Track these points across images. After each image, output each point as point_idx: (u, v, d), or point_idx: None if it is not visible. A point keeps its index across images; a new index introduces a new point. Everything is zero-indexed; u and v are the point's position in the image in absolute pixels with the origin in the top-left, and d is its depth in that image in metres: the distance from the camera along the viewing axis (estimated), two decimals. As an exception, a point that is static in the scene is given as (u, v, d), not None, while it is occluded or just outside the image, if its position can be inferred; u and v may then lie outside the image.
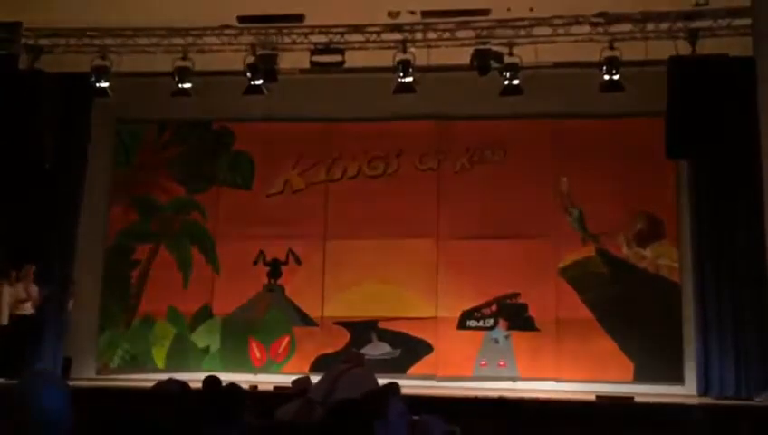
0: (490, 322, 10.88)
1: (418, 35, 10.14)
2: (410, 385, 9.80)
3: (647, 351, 10.33)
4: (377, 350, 10.90)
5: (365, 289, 11.11)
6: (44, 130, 10.11)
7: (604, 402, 8.69)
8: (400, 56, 10.08)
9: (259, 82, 10.35)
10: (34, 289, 10.01)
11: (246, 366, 11.01)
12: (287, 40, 10.34)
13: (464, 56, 10.10)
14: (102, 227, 11.68)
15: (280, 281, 11.37)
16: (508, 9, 9.67)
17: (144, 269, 11.57)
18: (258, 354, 11.17)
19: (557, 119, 11.07)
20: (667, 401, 9.06)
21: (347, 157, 11.53)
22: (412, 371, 10.75)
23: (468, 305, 10.91)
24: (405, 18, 9.99)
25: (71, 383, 3.15)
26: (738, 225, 9.83)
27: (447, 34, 10.10)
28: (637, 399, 8.87)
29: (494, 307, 10.90)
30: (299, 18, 10.02)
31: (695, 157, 10.06)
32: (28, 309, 9.92)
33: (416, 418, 4.16)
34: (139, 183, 11.80)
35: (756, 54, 8.59)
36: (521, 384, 10.42)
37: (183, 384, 3.87)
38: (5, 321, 9.73)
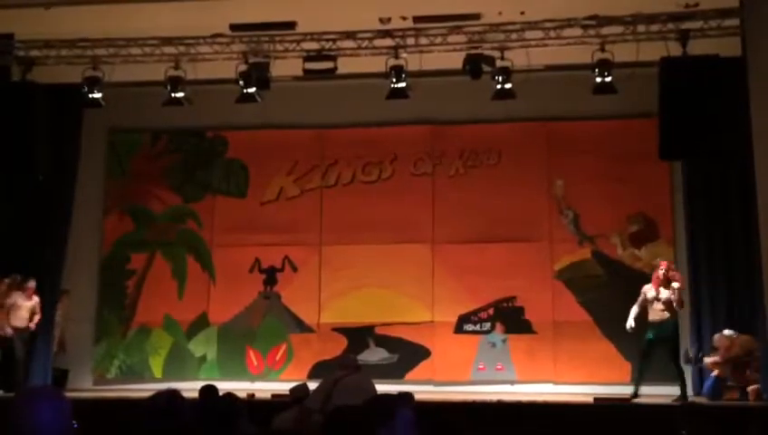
0: (487, 325, 10.89)
1: (410, 41, 10.13)
2: (408, 390, 9.82)
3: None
4: (374, 355, 10.89)
5: (361, 295, 11.11)
6: (37, 141, 10.08)
7: (602, 404, 8.70)
8: (393, 62, 10.07)
9: (252, 89, 10.33)
10: (35, 302, 9.91)
11: (244, 374, 11.00)
12: (279, 47, 10.33)
13: (456, 61, 10.11)
14: (97, 237, 11.65)
15: (276, 288, 11.36)
16: (499, 13, 9.68)
17: (140, 279, 11.56)
18: (255, 362, 11.16)
19: (550, 121, 11.10)
20: (666, 402, 9.06)
21: (341, 163, 11.54)
22: (410, 376, 10.74)
23: (465, 309, 10.92)
24: (396, 24, 9.99)
25: (67, 395, 3.12)
26: (732, 225, 9.86)
27: (439, 39, 10.10)
28: (634, 400, 8.87)
29: (490, 311, 10.91)
30: (291, 25, 10.02)
31: (688, 157, 10.09)
32: (25, 322, 9.82)
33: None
34: (134, 193, 11.79)
35: (746, 54, 8.62)
36: (519, 387, 10.42)
37: (176, 393, 3.86)
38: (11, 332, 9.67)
